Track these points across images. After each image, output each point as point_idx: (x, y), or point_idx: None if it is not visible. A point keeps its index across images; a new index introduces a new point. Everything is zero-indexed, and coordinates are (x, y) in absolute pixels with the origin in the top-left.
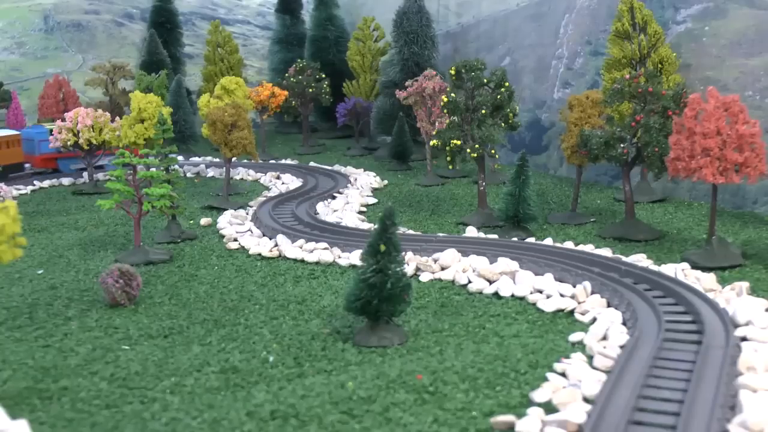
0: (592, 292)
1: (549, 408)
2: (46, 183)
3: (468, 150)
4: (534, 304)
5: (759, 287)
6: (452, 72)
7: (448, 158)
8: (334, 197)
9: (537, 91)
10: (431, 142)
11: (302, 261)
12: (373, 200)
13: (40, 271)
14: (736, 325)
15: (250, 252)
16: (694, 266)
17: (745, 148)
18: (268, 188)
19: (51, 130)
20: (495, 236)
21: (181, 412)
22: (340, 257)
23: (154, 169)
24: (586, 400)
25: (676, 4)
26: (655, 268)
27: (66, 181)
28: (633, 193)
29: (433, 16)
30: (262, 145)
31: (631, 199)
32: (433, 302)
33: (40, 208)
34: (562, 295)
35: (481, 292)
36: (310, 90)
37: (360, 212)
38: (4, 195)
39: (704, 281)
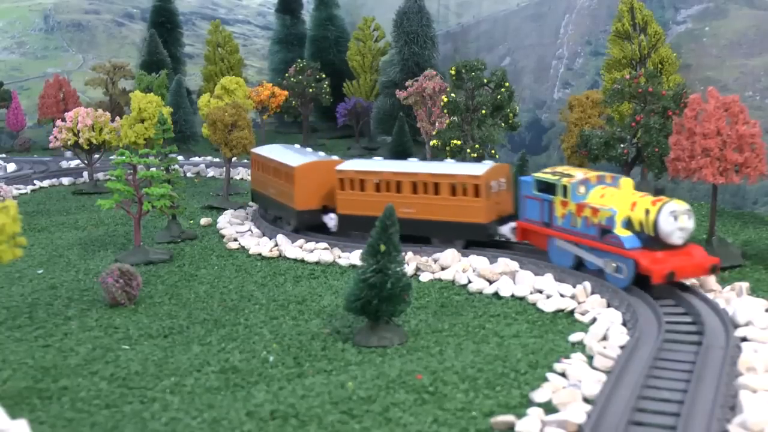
0: (592, 293)
1: (549, 408)
2: (46, 183)
3: (468, 150)
4: (534, 304)
5: (759, 287)
6: (452, 72)
7: (448, 158)
8: None
9: (537, 91)
10: (431, 142)
11: (302, 261)
12: None
13: (40, 271)
14: (736, 326)
15: (250, 252)
16: None
17: (745, 149)
18: None
19: (541, 181)
20: None
21: (181, 412)
22: (340, 257)
23: (154, 169)
24: (586, 400)
25: (676, 4)
26: None
27: (66, 180)
28: None
29: (433, 16)
30: (263, 145)
31: None
32: (433, 302)
33: (40, 207)
34: (562, 296)
35: (481, 292)
36: (310, 90)
37: None
38: (4, 195)
39: (704, 282)
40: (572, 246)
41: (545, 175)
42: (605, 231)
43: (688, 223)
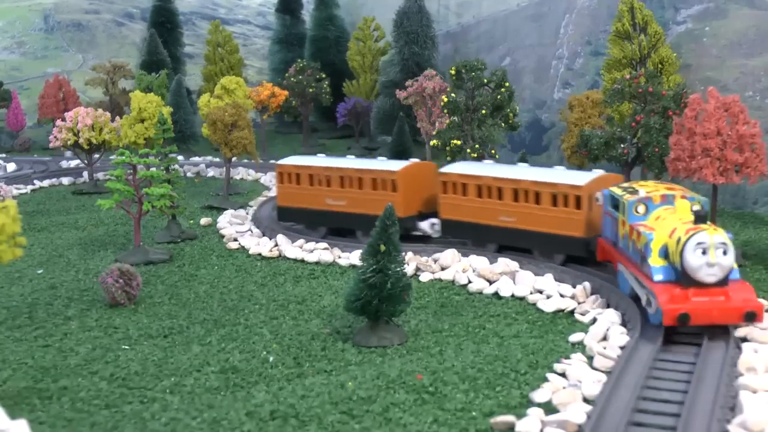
0: (592, 293)
1: (549, 408)
2: (46, 183)
3: (468, 150)
4: (534, 305)
5: (759, 287)
6: (452, 72)
7: (448, 158)
8: None
9: (537, 91)
10: (431, 142)
11: (302, 261)
12: None
13: (39, 271)
14: (737, 326)
15: (250, 252)
16: None
17: (745, 149)
18: (268, 188)
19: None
20: None
21: (181, 412)
22: (340, 257)
23: (154, 169)
24: (586, 400)
25: (676, 4)
26: None
27: (66, 180)
28: None
29: (433, 16)
30: (262, 145)
31: None
32: (433, 302)
33: (40, 207)
34: (562, 296)
35: (481, 292)
36: (310, 90)
37: None
38: (4, 194)
39: None
40: (630, 275)
41: (617, 189)
42: (644, 258)
43: (723, 258)
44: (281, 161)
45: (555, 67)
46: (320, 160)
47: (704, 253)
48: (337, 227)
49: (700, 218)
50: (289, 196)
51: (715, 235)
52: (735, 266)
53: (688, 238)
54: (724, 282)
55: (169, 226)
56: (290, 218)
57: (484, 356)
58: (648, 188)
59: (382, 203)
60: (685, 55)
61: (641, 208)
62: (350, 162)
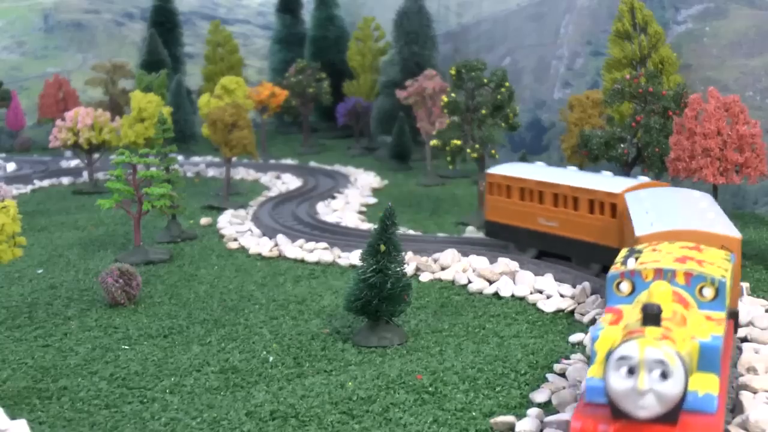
0: (592, 293)
1: (549, 409)
2: (46, 183)
3: (468, 150)
4: (534, 305)
5: (759, 287)
6: (452, 72)
7: (448, 158)
8: (334, 197)
9: (537, 91)
10: (431, 142)
11: (302, 261)
12: (373, 200)
13: (39, 271)
14: (737, 326)
15: (250, 252)
16: None
17: (745, 149)
18: (268, 188)
19: None
20: None
21: (181, 412)
22: (340, 257)
23: (154, 169)
24: None
25: (676, 4)
26: None
27: (66, 180)
28: None
29: (434, 16)
30: (263, 145)
31: None
32: (433, 302)
33: (40, 207)
34: (562, 296)
35: (481, 293)
36: (310, 90)
37: (360, 212)
38: (4, 194)
39: None
40: None
41: (624, 252)
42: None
43: (660, 384)
44: (492, 170)
45: (555, 67)
46: (535, 171)
47: (631, 373)
48: (549, 251)
49: (648, 318)
50: (498, 210)
51: (649, 347)
52: (711, 392)
53: (614, 349)
54: (669, 418)
55: (169, 226)
56: (498, 235)
57: (484, 356)
58: (653, 255)
59: (599, 229)
60: (685, 55)
61: (625, 286)
62: (567, 176)
